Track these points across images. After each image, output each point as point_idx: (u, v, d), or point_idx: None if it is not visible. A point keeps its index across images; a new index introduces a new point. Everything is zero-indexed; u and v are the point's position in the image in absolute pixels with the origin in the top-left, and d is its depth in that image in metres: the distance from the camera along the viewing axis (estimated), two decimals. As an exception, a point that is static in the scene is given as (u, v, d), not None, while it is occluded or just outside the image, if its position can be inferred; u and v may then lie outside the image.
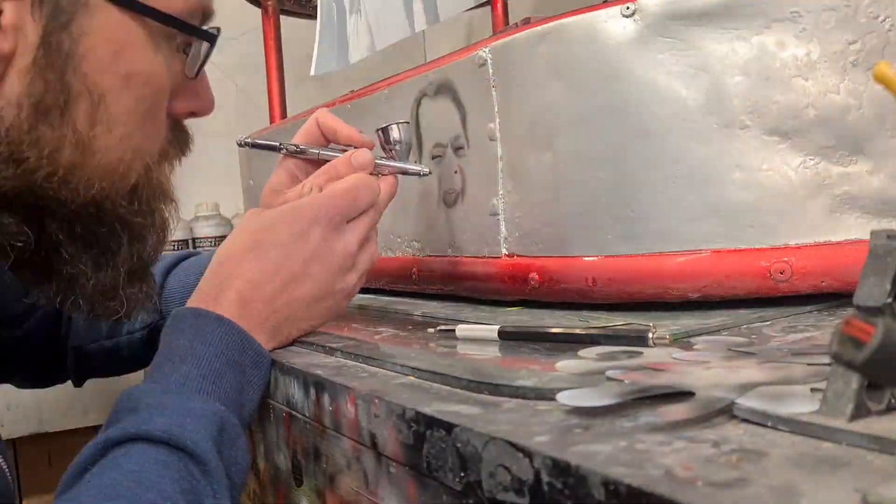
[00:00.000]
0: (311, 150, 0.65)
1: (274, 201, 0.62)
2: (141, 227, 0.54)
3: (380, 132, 0.64)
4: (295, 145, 0.65)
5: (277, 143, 0.66)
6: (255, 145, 0.66)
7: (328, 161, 0.63)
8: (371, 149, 0.64)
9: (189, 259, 0.78)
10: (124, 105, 0.50)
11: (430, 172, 0.66)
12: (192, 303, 0.54)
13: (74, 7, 0.47)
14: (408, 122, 0.65)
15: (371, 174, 0.61)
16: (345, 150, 0.63)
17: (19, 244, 0.49)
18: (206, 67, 0.56)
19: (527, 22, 0.61)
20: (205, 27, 0.55)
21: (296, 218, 0.56)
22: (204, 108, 0.58)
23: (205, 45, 0.55)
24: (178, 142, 0.58)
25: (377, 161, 0.63)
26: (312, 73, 1.08)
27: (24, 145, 0.47)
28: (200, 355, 0.49)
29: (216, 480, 0.44)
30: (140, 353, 0.76)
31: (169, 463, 0.42)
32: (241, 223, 0.58)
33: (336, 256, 0.57)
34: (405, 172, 0.64)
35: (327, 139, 0.66)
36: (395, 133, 0.64)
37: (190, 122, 0.60)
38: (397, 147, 0.64)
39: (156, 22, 0.51)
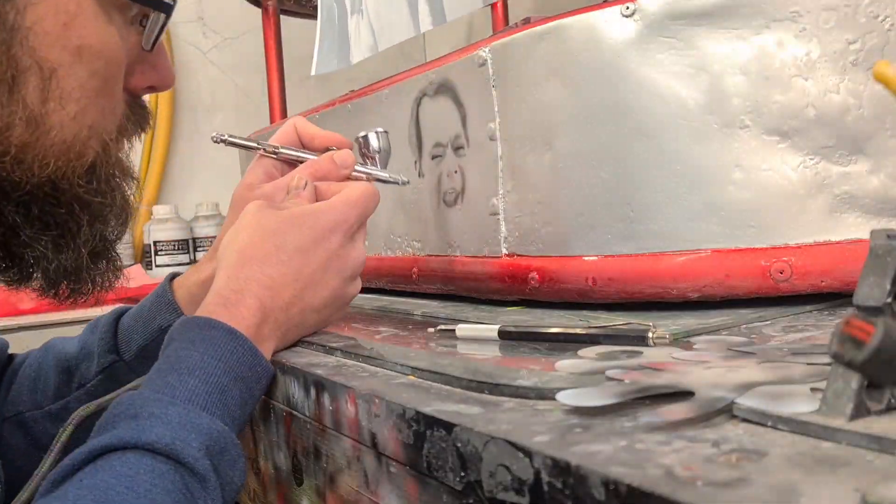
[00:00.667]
0: (288, 152, 0.65)
1: (250, 195, 0.62)
2: (101, 206, 0.53)
3: (360, 139, 0.65)
4: (273, 146, 0.65)
5: (255, 143, 0.66)
6: (231, 143, 0.65)
7: (303, 162, 0.63)
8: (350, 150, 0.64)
9: (129, 311, 0.69)
10: (77, 79, 0.48)
11: (408, 182, 0.67)
12: (207, 306, 0.51)
13: None
14: (386, 132, 0.65)
15: (349, 179, 0.61)
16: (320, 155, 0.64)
17: None
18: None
19: (527, 22, 0.61)
20: None
21: (316, 223, 0.55)
22: (163, 81, 0.56)
23: (162, 15, 0.53)
24: (137, 118, 0.56)
25: (358, 169, 0.63)
26: (313, 73, 1.08)
27: None
28: (210, 370, 0.47)
29: (212, 498, 0.42)
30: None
31: (165, 474, 0.40)
32: (249, 218, 0.55)
33: (349, 264, 0.56)
34: (385, 181, 0.65)
35: (304, 145, 0.66)
36: (374, 142, 0.65)
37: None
38: (377, 156, 0.65)
39: None
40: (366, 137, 0.65)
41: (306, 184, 0.59)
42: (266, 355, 0.52)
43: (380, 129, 0.65)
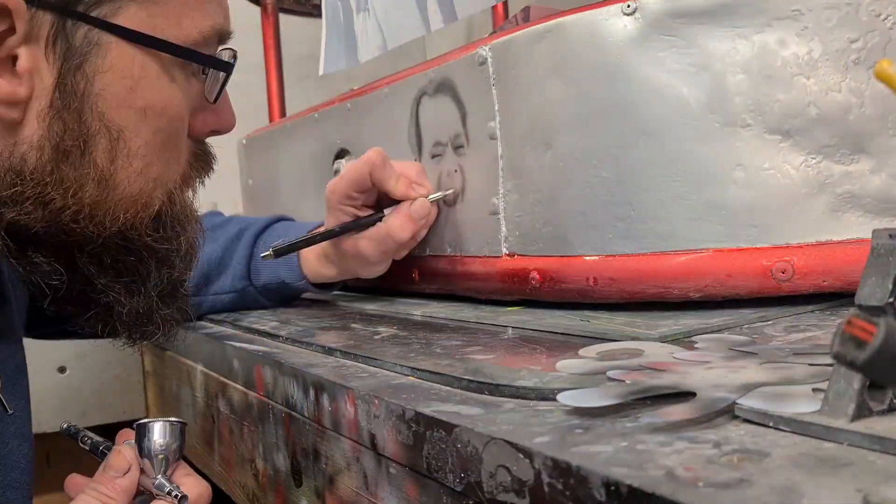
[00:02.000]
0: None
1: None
2: (167, 252, 0.55)
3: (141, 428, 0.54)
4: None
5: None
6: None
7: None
8: (426, 196, 0.69)
9: (280, 223, 0.81)
10: (142, 138, 0.51)
11: None
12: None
13: (87, 47, 0.48)
14: (182, 424, 0.54)
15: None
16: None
17: (55, 283, 0.51)
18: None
19: (526, 12, 0.61)
20: (223, 46, 0.55)
21: None
22: (225, 126, 0.58)
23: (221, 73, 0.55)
24: (200, 163, 0.58)
25: None
26: (321, 73, 1.08)
27: (48, 186, 0.49)
28: None
29: None
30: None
31: None
32: None
33: None
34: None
35: (376, 187, 0.71)
36: (158, 436, 0.53)
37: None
38: (153, 459, 0.53)
39: (170, 55, 0.51)
40: (146, 428, 0.53)
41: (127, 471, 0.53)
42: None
43: (173, 419, 0.54)
